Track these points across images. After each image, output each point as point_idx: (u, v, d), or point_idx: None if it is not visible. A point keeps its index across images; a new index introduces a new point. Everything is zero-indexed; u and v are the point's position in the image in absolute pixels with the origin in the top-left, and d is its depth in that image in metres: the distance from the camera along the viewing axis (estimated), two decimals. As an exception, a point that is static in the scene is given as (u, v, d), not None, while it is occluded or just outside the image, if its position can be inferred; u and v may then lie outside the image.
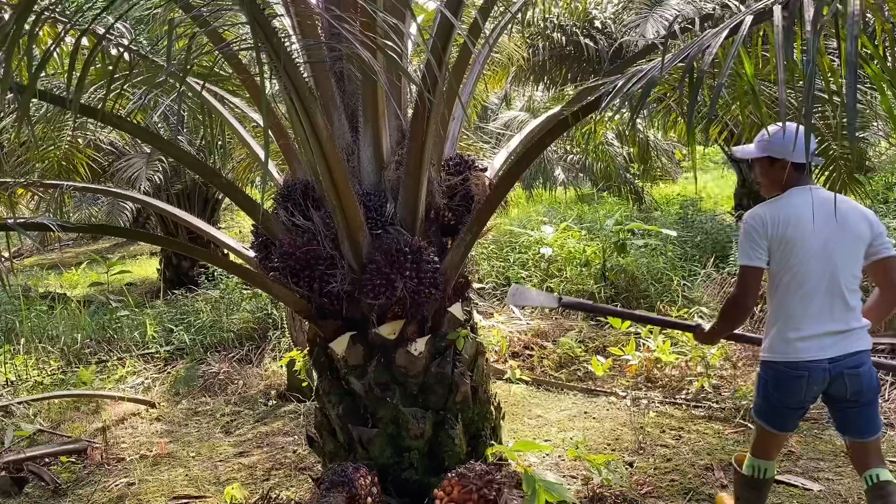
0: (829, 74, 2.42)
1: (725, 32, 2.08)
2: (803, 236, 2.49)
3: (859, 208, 2.57)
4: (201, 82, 3.74)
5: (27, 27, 2.23)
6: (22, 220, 3.46)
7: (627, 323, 5.76)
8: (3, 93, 2.13)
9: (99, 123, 4.94)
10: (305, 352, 4.60)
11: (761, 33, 2.46)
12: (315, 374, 3.80)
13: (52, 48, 2.63)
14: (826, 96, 3.91)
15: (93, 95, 4.02)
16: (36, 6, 2.31)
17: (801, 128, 2.34)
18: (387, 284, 3.06)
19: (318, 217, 3.23)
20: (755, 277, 2.57)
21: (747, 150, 2.71)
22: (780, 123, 2.51)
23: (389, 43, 2.30)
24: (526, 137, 4.00)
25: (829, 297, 2.52)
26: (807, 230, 2.49)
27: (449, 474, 2.95)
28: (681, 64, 2.19)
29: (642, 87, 2.20)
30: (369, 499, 2.98)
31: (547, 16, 7.54)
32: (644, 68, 2.33)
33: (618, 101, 2.31)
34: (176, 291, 8.76)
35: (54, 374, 6.20)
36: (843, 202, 2.56)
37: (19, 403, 5.16)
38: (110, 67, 3.09)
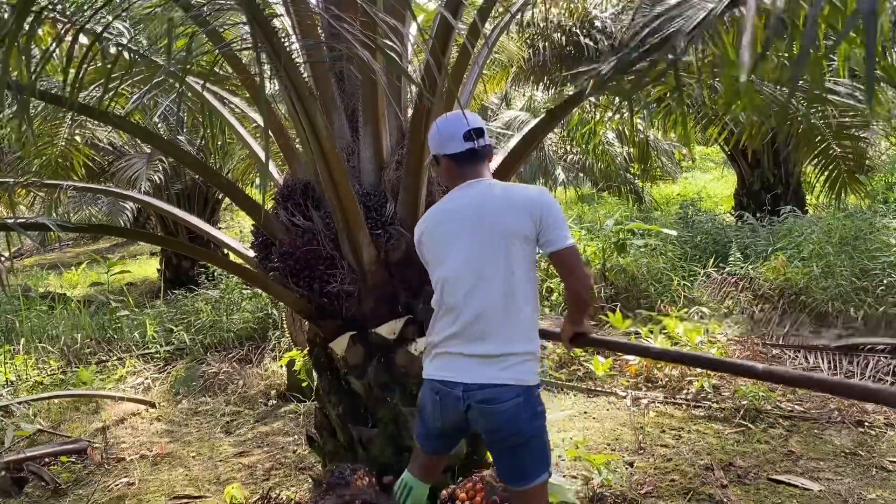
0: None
1: (702, 14, 2.09)
2: (450, 236, 2.24)
3: (527, 196, 2.22)
4: (201, 82, 3.74)
5: (26, 27, 2.23)
6: (22, 221, 3.46)
7: (628, 322, 5.77)
8: (1, 92, 2.13)
9: (97, 122, 4.95)
10: (305, 352, 4.60)
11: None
12: (315, 374, 3.80)
13: (52, 48, 2.63)
14: (826, 96, 3.90)
15: (92, 95, 4.03)
16: (35, 6, 2.31)
17: (454, 116, 2.27)
18: (391, 301, 3.10)
19: (318, 217, 3.23)
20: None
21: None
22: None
23: (389, 43, 2.29)
24: (526, 137, 4.00)
25: (475, 310, 2.16)
26: (454, 228, 2.24)
27: (473, 478, 2.95)
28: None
29: (614, 67, 2.21)
30: (368, 500, 2.98)
31: (547, 16, 7.54)
32: (622, 52, 2.35)
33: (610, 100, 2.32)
34: (176, 291, 8.76)
35: (54, 374, 6.20)
36: (509, 191, 2.24)
37: (19, 403, 5.16)
38: (109, 66, 3.09)
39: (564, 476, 3.58)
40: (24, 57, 2.32)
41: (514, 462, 2.17)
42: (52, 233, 3.59)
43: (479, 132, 2.27)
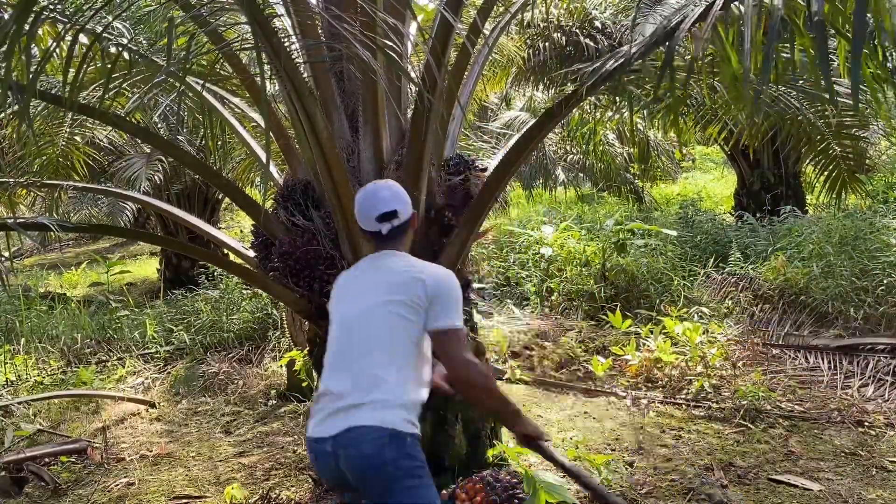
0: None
1: (699, 11, 2.09)
2: (342, 302, 2.34)
3: (415, 269, 2.23)
4: (201, 82, 3.74)
5: (27, 27, 2.23)
6: (22, 221, 3.46)
7: (628, 322, 5.77)
8: (4, 93, 2.14)
9: (97, 122, 4.95)
10: (305, 352, 4.60)
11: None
12: (315, 374, 3.80)
13: (52, 49, 2.63)
14: (826, 95, 3.90)
15: (92, 94, 4.02)
16: (35, 6, 2.31)
17: (370, 194, 2.28)
18: None
19: (318, 217, 3.23)
20: None
21: None
22: (369, 184, 2.40)
23: (389, 43, 2.30)
24: (525, 136, 4.00)
25: (345, 360, 2.22)
26: (347, 296, 2.34)
27: (473, 478, 2.96)
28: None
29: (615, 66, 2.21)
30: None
31: (547, 17, 7.54)
32: (621, 50, 2.35)
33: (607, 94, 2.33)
34: (176, 291, 8.75)
35: (54, 374, 6.20)
36: (395, 263, 2.27)
37: (19, 403, 5.16)
38: (109, 66, 3.09)
39: (564, 476, 3.58)
40: (24, 57, 2.32)
41: None
42: (52, 233, 3.59)
43: (391, 215, 2.26)
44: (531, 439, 2.39)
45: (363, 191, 2.36)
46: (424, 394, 2.25)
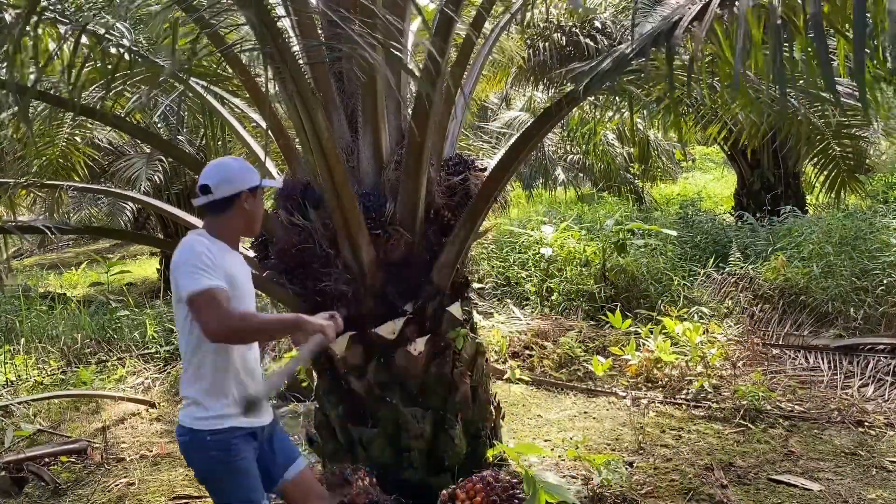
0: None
1: (696, 9, 2.09)
2: None
3: (176, 254, 2.17)
4: (202, 83, 3.74)
5: (29, 29, 2.24)
6: (21, 223, 3.46)
7: (628, 322, 5.77)
8: (7, 95, 2.14)
9: (98, 123, 4.95)
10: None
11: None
12: (315, 374, 3.80)
13: (55, 50, 2.63)
14: (825, 95, 3.90)
15: (92, 95, 4.02)
16: (38, 7, 2.32)
17: (207, 168, 2.26)
18: (390, 301, 3.11)
19: (314, 216, 3.23)
20: None
21: None
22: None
23: (390, 41, 2.30)
24: (523, 136, 4.00)
25: None
26: None
27: (472, 478, 2.96)
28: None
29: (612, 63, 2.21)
30: (368, 500, 2.98)
31: (548, 17, 7.54)
32: (618, 49, 2.36)
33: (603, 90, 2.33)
34: (176, 291, 8.73)
35: (54, 374, 6.20)
36: (177, 250, 2.21)
37: (19, 403, 5.16)
38: (109, 67, 3.09)
39: (564, 476, 3.59)
40: (29, 58, 2.33)
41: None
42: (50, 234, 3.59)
43: (204, 189, 2.23)
44: (317, 331, 2.25)
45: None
46: (226, 380, 2.21)
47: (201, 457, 2.19)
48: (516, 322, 6.35)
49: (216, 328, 2.06)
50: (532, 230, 8.19)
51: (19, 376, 6.08)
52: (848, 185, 5.58)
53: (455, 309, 3.44)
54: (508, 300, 7.10)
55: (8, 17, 2.67)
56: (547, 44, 7.91)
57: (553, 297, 6.89)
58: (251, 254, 3.59)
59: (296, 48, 3.06)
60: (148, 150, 8.19)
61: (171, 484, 3.99)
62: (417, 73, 3.20)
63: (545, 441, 4.16)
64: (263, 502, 2.23)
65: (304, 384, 4.90)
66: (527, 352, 5.78)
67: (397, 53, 2.31)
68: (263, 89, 3.18)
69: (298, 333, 2.32)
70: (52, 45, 3.22)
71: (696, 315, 5.79)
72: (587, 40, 7.64)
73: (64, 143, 5.08)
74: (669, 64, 2.11)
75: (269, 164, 4.01)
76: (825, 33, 1.91)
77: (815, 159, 5.49)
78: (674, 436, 4.11)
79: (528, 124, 4.09)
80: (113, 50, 3.29)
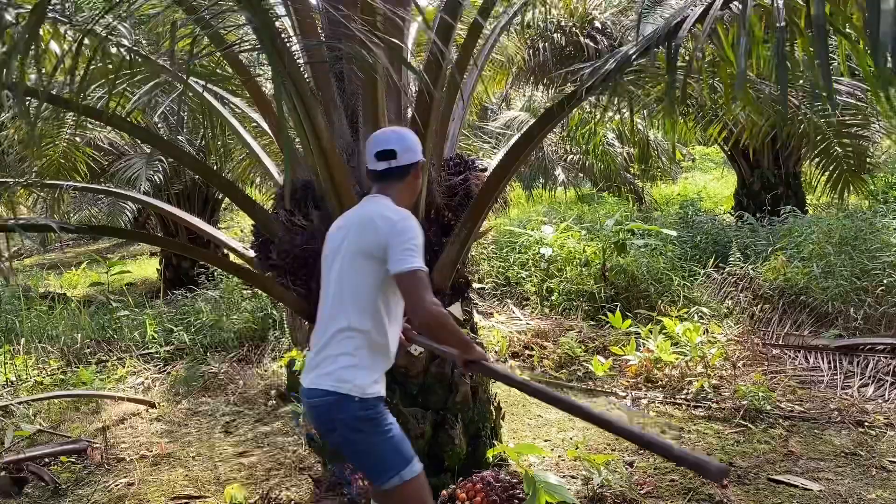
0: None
1: (699, 11, 2.10)
2: (327, 247, 2.41)
3: (375, 214, 2.25)
4: (202, 83, 3.74)
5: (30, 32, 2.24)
6: (23, 222, 3.46)
7: (628, 322, 5.77)
8: (18, 96, 2.14)
9: (98, 123, 4.95)
10: (305, 352, 4.59)
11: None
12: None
13: (63, 56, 2.64)
14: (826, 94, 3.90)
15: (92, 95, 4.02)
16: (46, 10, 2.32)
17: (378, 134, 2.35)
18: None
19: (316, 216, 3.23)
20: None
21: None
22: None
23: (392, 39, 2.30)
24: (524, 136, 4.00)
25: (325, 318, 2.30)
26: (329, 241, 2.40)
27: (473, 478, 2.96)
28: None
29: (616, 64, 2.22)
30: (368, 500, 2.98)
31: (547, 18, 7.54)
32: (620, 50, 2.36)
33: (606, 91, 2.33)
34: (176, 291, 8.75)
35: (54, 374, 6.20)
36: (365, 208, 2.32)
37: (19, 403, 5.16)
38: (110, 67, 3.09)
39: (564, 476, 3.59)
40: (32, 62, 2.33)
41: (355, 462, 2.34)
42: (52, 233, 3.59)
43: (389, 154, 2.30)
44: (475, 362, 2.33)
45: (372, 134, 2.40)
46: (389, 350, 2.29)
47: (342, 417, 2.17)
48: (516, 322, 6.36)
49: (428, 308, 2.10)
50: (532, 230, 8.19)
51: (19, 376, 6.08)
52: (851, 185, 5.58)
53: (455, 309, 3.44)
54: (508, 300, 7.10)
55: (8, 17, 2.67)
56: (547, 44, 7.91)
57: (553, 297, 6.89)
58: (251, 253, 3.59)
59: (296, 48, 3.07)
60: (148, 150, 8.18)
61: (171, 484, 3.99)
62: (418, 75, 3.20)
63: (545, 441, 4.16)
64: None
65: (305, 384, 4.90)
66: (527, 352, 5.78)
67: (398, 52, 2.31)
68: (264, 89, 3.18)
69: (459, 353, 2.31)
70: (52, 46, 3.22)
71: (696, 315, 5.79)
72: (587, 41, 7.65)
73: (65, 144, 5.08)
74: (671, 65, 2.11)
75: (269, 164, 4.01)
76: (826, 33, 1.91)
77: (817, 159, 5.49)
78: (674, 436, 4.11)
79: (530, 124, 4.09)
80: (114, 50, 3.29)
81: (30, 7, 2.30)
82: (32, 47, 2.25)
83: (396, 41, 2.36)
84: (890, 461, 3.61)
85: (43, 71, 2.61)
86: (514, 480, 3.08)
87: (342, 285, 2.26)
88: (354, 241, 2.26)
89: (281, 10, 3.40)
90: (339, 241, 2.33)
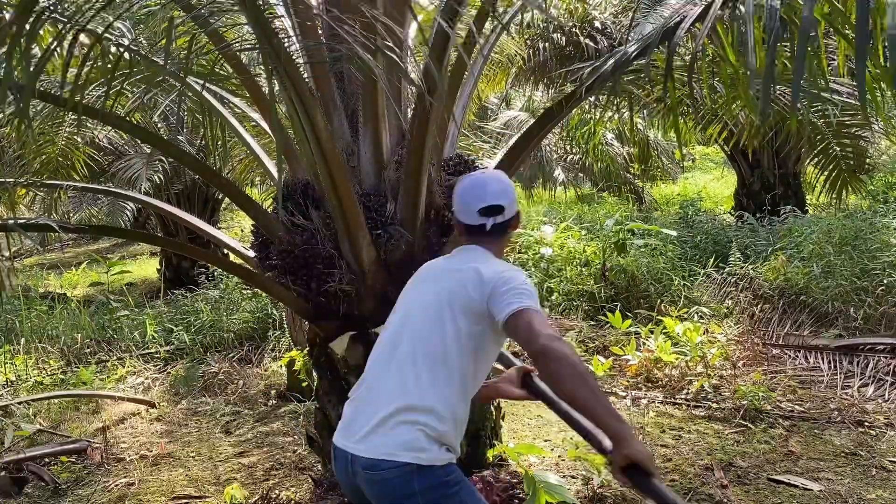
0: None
1: (698, 10, 2.10)
2: (402, 298, 2.14)
3: (482, 269, 1.95)
4: (201, 82, 3.73)
5: (27, 27, 2.23)
6: (23, 221, 3.46)
7: (628, 322, 5.77)
8: (3, 94, 2.14)
9: (97, 122, 4.95)
10: (305, 352, 4.60)
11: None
12: (315, 374, 3.80)
13: (52, 48, 2.63)
14: (827, 95, 3.91)
15: (91, 94, 4.02)
16: (35, 7, 2.31)
17: (476, 184, 2.07)
18: (391, 301, 3.10)
19: (317, 216, 3.23)
20: None
21: None
22: (470, 174, 2.22)
23: (389, 44, 2.30)
24: (524, 136, 4.00)
25: (378, 370, 2.00)
26: (408, 291, 2.14)
27: (473, 478, 2.96)
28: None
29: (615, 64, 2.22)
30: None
31: (547, 17, 7.54)
32: (620, 50, 2.36)
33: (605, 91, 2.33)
34: (176, 291, 8.75)
35: (54, 374, 6.20)
36: (472, 265, 1.99)
37: (19, 403, 5.16)
38: (109, 66, 3.09)
39: (564, 476, 3.58)
40: (24, 58, 2.33)
41: None
42: (51, 233, 3.59)
43: (497, 209, 2.05)
44: (634, 468, 1.64)
45: (470, 178, 2.15)
46: (466, 412, 1.98)
47: (416, 490, 1.85)
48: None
49: (548, 334, 1.74)
50: (532, 230, 8.19)
51: (19, 376, 6.08)
52: (849, 185, 5.58)
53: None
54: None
55: (8, 17, 2.67)
56: (547, 44, 7.91)
57: (553, 297, 6.89)
58: (251, 253, 3.59)
59: (295, 48, 3.06)
60: (148, 150, 8.18)
61: (171, 484, 3.99)
62: (418, 73, 3.20)
63: (545, 441, 4.16)
64: None
65: (304, 384, 4.90)
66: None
67: (395, 59, 2.31)
68: (264, 89, 3.18)
69: (616, 442, 1.67)
70: (52, 45, 3.22)
71: (696, 315, 5.79)
72: (587, 41, 7.65)
73: (64, 143, 5.08)
74: (669, 64, 2.11)
75: (269, 164, 4.01)
76: (825, 33, 1.91)
77: (816, 159, 5.49)
78: (674, 436, 4.11)
79: (530, 124, 4.09)
80: (113, 49, 3.29)
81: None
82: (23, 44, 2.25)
83: (395, 43, 2.36)
84: (890, 461, 3.61)
85: (41, 69, 2.60)
86: (514, 480, 3.08)
87: (412, 335, 1.98)
88: (454, 295, 1.96)
89: (280, 10, 3.40)
90: (430, 289, 2.05)
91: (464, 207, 2.10)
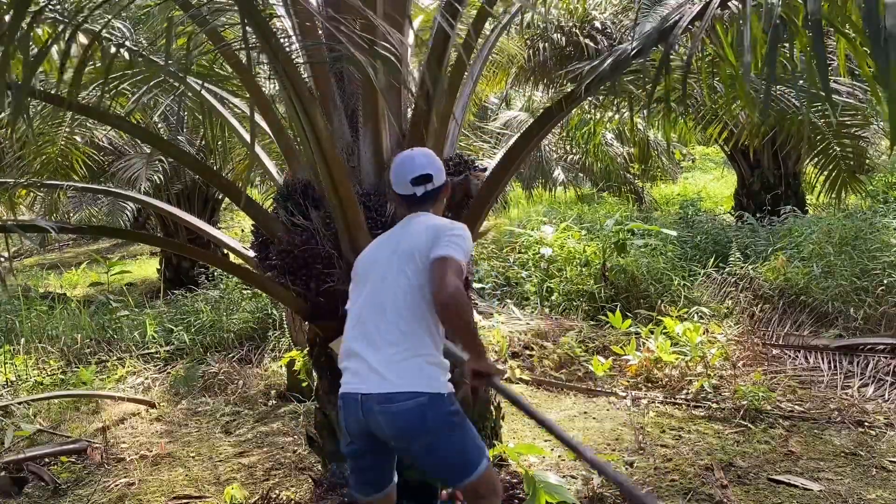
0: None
1: (696, 9, 2.10)
2: (367, 262, 2.46)
3: (427, 224, 2.36)
4: (200, 82, 3.73)
5: (24, 26, 2.23)
6: (21, 222, 3.46)
7: (628, 322, 5.77)
8: (1, 92, 2.13)
9: (97, 122, 4.95)
10: (305, 352, 4.60)
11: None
12: (315, 374, 3.79)
13: (48, 46, 2.63)
14: (825, 94, 3.90)
15: (91, 94, 4.02)
16: (33, 6, 2.31)
17: (407, 157, 2.46)
18: None
19: (316, 216, 3.23)
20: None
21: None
22: (402, 153, 2.56)
23: (388, 46, 2.30)
24: (523, 136, 4.00)
25: (371, 320, 2.33)
26: (370, 257, 2.46)
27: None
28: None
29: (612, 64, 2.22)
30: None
31: (546, 17, 7.54)
32: (619, 49, 2.36)
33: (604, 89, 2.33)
34: (176, 291, 8.76)
35: (54, 374, 6.20)
36: (420, 223, 2.39)
37: (19, 403, 5.16)
38: (108, 66, 3.09)
39: (564, 476, 3.58)
40: (22, 56, 2.32)
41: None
42: (51, 234, 3.59)
43: (426, 178, 2.41)
44: (483, 375, 2.28)
45: (400, 155, 2.50)
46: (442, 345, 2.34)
47: (437, 414, 2.21)
48: (516, 322, 6.35)
49: (451, 291, 2.13)
50: (532, 230, 8.19)
51: (19, 376, 6.08)
52: (849, 185, 5.58)
53: (455, 309, 3.43)
54: (508, 300, 7.10)
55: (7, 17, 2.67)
56: (547, 44, 7.91)
57: (553, 297, 6.89)
58: (251, 253, 3.58)
59: (295, 47, 3.07)
60: (148, 150, 8.18)
61: (171, 484, 3.99)
62: (417, 75, 3.20)
63: (545, 441, 4.16)
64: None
65: (304, 384, 4.90)
66: (527, 352, 5.78)
67: (395, 62, 2.31)
68: (264, 89, 3.18)
69: (472, 358, 2.27)
70: (49, 44, 3.22)
71: (696, 315, 5.79)
72: (587, 41, 7.64)
73: (63, 143, 5.08)
74: (666, 64, 2.11)
75: (269, 164, 4.01)
76: (825, 33, 1.91)
77: (816, 159, 5.49)
78: (674, 436, 4.11)
79: (529, 124, 4.09)
80: (112, 49, 3.29)
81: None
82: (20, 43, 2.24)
83: (394, 47, 2.36)
84: (890, 461, 3.61)
85: (37, 68, 2.60)
86: (514, 480, 3.08)
87: (395, 293, 2.29)
88: (407, 250, 2.31)
89: (280, 10, 3.40)
90: (384, 254, 2.39)
91: (398, 180, 2.44)
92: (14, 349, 6.56)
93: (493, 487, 2.35)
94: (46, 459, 4.35)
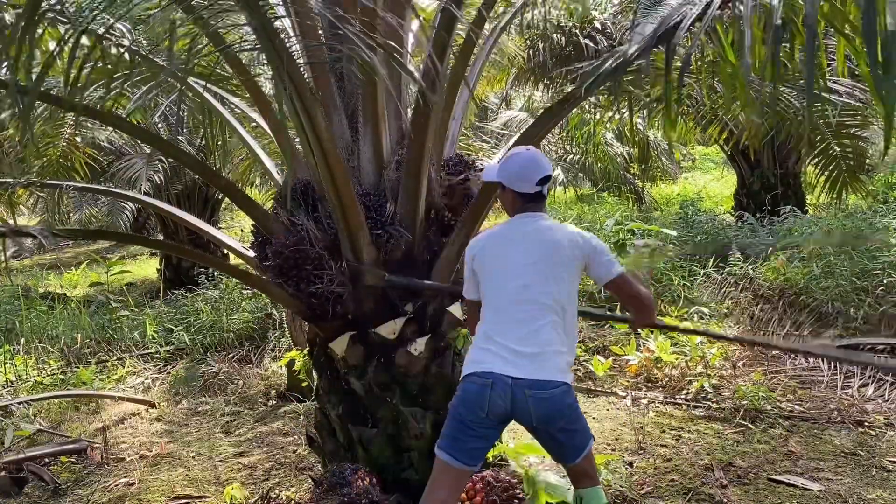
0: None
1: (697, 10, 2.09)
2: (502, 256, 2.58)
3: (570, 232, 2.59)
4: (202, 83, 3.73)
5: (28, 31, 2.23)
6: (16, 229, 3.46)
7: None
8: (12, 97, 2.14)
9: (98, 123, 4.95)
10: (305, 352, 4.60)
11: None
12: (315, 374, 3.80)
13: (54, 51, 2.63)
14: (826, 95, 3.91)
15: (92, 95, 4.02)
16: (39, 10, 2.31)
17: (532, 159, 2.55)
18: (391, 301, 3.15)
19: (310, 217, 3.23)
20: (469, 309, 2.80)
21: (489, 171, 2.74)
22: (518, 150, 2.68)
23: (390, 42, 2.30)
24: (524, 136, 4.00)
25: (519, 315, 2.52)
26: (506, 251, 2.58)
27: (472, 478, 2.96)
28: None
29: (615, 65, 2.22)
30: (368, 500, 2.98)
31: (546, 18, 7.55)
32: (619, 50, 2.36)
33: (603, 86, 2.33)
34: (176, 291, 8.76)
35: (54, 374, 6.20)
36: (555, 230, 2.61)
37: (19, 403, 5.16)
38: (109, 67, 3.09)
39: (564, 476, 3.58)
40: (27, 59, 2.32)
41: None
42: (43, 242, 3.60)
43: (549, 178, 2.59)
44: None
45: (520, 155, 2.60)
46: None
47: (569, 402, 2.51)
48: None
49: (647, 293, 2.66)
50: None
51: (19, 376, 6.08)
52: (849, 185, 5.58)
53: (455, 309, 3.44)
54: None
55: (8, 18, 2.67)
56: (547, 44, 7.91)
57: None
58: (251, 254, 3.59)
59: (296, 48, 3.06)
60: (148, 150, 8.19)
61: (171, 484, 3.99)
62: (417, 75, 3.20)
63: (545, 441, 4.15)
64: None
65: (304, 384, 4.90)
66: (527, 352, 5.77)
67: (397, 56, 2.31)
68: (264, 89, 3.18)
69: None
70: (52, 45, 3.22)
71: (696, 315, 5.79)
72: (587, 41, 7.64)
73: (65, 144, 5.08)
74: (668, 65, 2.11)
75: (269, 164, 4.01)
76: (825, 33, 1.91)
77: (816, 159, 5.49)
78: (674, 436, 4.11)
79: (529, 124, 4.09)
80: (113, 50, 3.29)
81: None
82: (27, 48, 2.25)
83: (395, 44, 2.36)
84: (890, 461, 3.61)
85: (45, 72, 2.60)
86: (514, 480, 3.08)
87: (540, 293, 2.50)
88: (549, 254, 2.52)
89: (281, 10, 3.40)
90: (518, 252, 2.55)
91: (522, 179, 2.55)
92: (14, 349, 6.56)
93: (595, 466, 2.67)
94: (46, 459, 4.36)
